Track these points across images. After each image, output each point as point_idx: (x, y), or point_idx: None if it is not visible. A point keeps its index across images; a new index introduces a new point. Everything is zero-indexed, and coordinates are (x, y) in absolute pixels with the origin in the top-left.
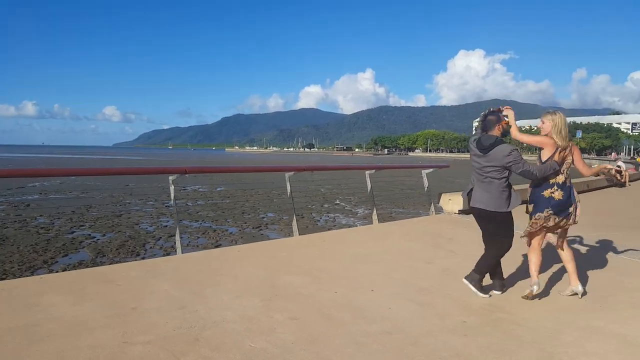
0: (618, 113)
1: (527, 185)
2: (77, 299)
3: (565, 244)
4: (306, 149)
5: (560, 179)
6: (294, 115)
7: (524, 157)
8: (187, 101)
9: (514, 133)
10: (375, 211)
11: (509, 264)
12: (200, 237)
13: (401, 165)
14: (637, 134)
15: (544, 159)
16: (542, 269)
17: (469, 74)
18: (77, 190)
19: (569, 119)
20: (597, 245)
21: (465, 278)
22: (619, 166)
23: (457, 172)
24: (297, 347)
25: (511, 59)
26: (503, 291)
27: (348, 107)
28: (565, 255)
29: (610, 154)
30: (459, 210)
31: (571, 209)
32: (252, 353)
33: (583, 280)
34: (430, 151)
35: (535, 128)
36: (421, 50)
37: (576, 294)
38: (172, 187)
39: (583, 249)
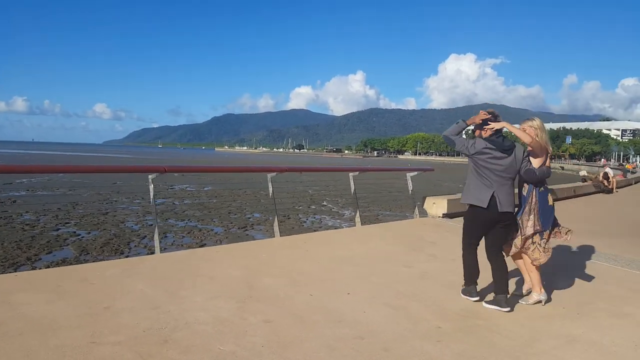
0: (608, 119)
1: None
2: (50, 297)
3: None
4: (296, 150)
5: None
6: (284, 116)
7: None
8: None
9: (523, 136)
10: (358, 213)
11: (487, 269)
12: (186, 237)
13: (385, 168)
14: (626, 140)
15: (537, 164)
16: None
17: (460, 78)
18: (65, 187)
19: (559, 125)
20: (579, 252)
21: (491, 303)
22: (606, 172)
23: (444, 176)
24: (266, 351)
25: (502, 64)
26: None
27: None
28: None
29: (600, 160)
30: (443, 214)
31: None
32: (220, 356)
33: (561, 287)
34: (419, 154)
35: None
36: (412, 53)
37: (540, 301)
38: (151, 186)
39: (564, 256)
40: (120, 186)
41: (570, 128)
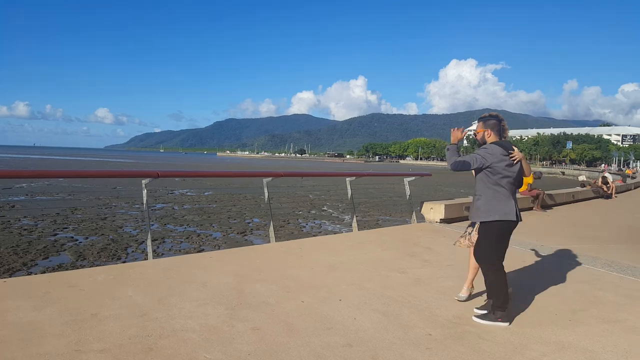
0: (608, 125)
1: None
2: (37, 303)
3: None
4: (297, 155)
5: None
6: (286, 121)
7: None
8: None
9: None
10: (355, 219)
11: (479, 275)
12: (184, 242)
13: (383, 173)
14: (627, 145)
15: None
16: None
17: (461, 83)
18: (64, 192)
19: (560, 130)
20: (575, 257)
21: (484, 319)
22: (605, 177)
23: (446, 181)
24: (252, 359)
25: (503, 69)
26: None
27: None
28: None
29: (601, 165)
30: (440, 219)
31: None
32: None
33: (554, 293)
34: (421, 159)
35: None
36: (413, 59)
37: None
38: (144, 192)
39: (559, 261)
40: (119, 191)
41: (571, 133)
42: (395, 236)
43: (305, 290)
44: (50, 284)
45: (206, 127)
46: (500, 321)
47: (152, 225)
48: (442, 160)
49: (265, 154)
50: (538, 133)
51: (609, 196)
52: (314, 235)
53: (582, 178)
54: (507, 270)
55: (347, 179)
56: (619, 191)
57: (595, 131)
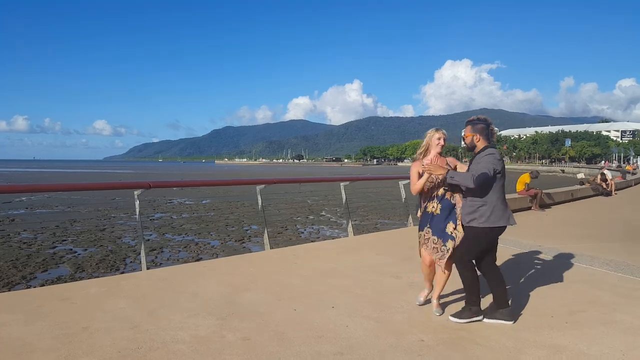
0: (607, 121)
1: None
2: (29, 318)
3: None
4: (295, 160)
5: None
6: (283, 127)
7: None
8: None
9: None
10: (350, 223)
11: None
12: (182, 251)
13: (377, 177)
14: (626, 141)
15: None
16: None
17: (457, 84)
18: (63, 204)
19: (558, 127)
20: (573, 257)
21: (494, 318)
22: (604, 174)
23: None
24: None
25: (498, 69)
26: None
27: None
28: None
29: (601, 162)
30: None
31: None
32: None
33: (552, 295)
34: None
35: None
36: (408, 61)
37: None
38: (137, 202)
39: (556, 262)
40: (118, 202)
41: (570, 131)
42: (390, 240)
43: (298, 298)
44: (43, 297)
45: (204, 135)
46: (471, 318)
47: (151, 235)
48: None
49: (263, 160)
50: (536, 131)
51: (608, 193)
52: (312, 241)
53: (580, 176)
54: (504, 271)
55: (341, 184)
56: (619, 188)
57: (594, 128)
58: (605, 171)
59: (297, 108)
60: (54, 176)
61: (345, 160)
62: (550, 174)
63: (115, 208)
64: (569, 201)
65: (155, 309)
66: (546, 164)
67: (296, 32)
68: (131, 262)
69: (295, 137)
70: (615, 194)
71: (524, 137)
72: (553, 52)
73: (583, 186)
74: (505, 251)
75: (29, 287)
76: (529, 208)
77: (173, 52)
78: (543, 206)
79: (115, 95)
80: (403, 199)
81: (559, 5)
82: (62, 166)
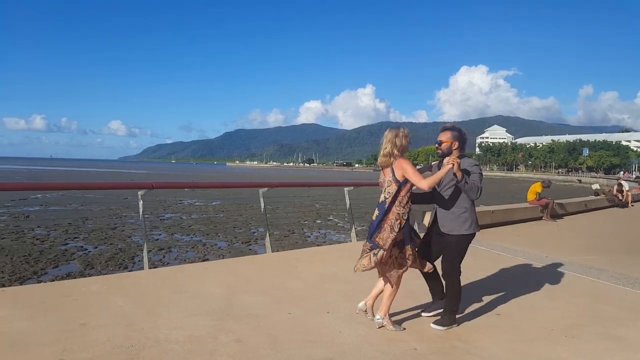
0: (627, 130)
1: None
2: (31, 313)
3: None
4: (306, 164)
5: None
6: (294, 131)
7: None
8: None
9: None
10: (354, 228)
11: (468, 288)
12: (189, 251)
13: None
14: None
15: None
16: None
17: (472, 90)
18: (77, 202)
19: (576, 136)
20: (581, 269)
21: (442, 324)
22: (620, 184)
23: None
24: None
25: (515, 75)
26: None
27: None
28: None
29: (620, 172)
30: None
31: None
32: None
33: (554, 307)
34: None
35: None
36: (422, 66)
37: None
38: (140, 202)
39: (562, 274)
40: (130, 201)
41: (588, 140)
42: None
43: (294, 301)
44: (46, 293)
45: (216, 137)
46: (454, 323)
47: (160, 235)
48: None
49: (274, 163)
50: (553, 140)
51: (624, 205)
52: (318, 245)
53: (595, 187)
54: (508, 282)
55: (345, 189)
56: (636, 200)
57: (613, 137)
58: (623, 182)
59: (309, 112)
60: (64, 175)
61: (356, 165)
62: (566, 183)
63: (127, 207)
64: (582, 212)
65: (152, 308)
66: (563, 173)
67: (309, 37)
68: (139, 260)
69: (306, 140)
70: (632, 205)
71: (540, 145)
72: (571, 59)
73: (598, 197)
74: (511, 261)
75: (39, 282)
76: (540, 218)
77: (186, 55)
78: (555, 216)
79: (130, 96)
80: None
81: (578, 11)
82: (79, 165)
